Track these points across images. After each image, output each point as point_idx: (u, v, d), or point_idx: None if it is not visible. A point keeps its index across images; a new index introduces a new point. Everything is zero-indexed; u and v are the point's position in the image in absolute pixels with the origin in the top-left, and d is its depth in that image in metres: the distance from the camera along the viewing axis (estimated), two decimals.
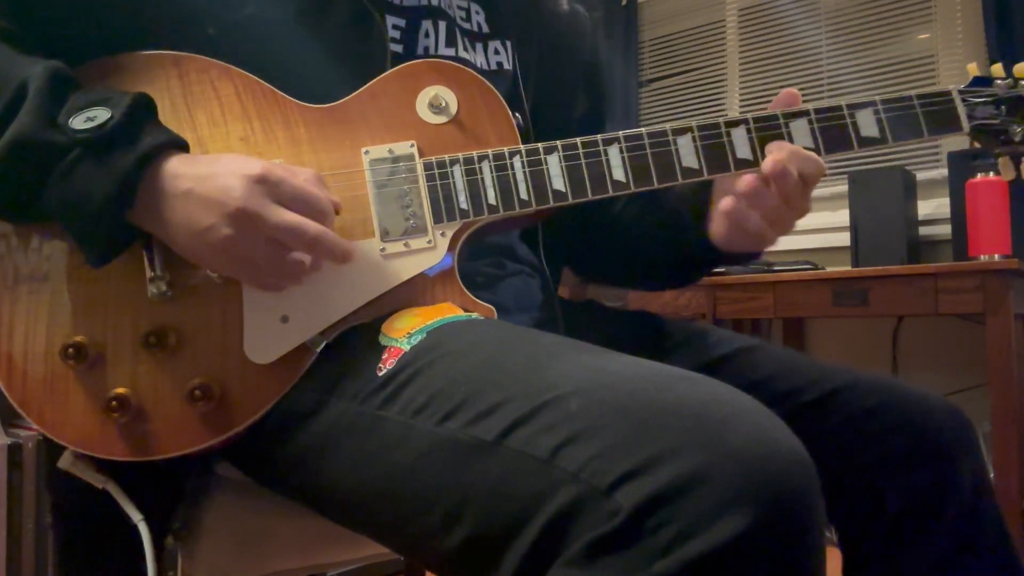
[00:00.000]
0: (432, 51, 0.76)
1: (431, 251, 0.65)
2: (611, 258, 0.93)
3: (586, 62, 0.91)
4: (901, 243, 2.05)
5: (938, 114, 0.71)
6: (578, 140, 0.68)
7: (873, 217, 2.11)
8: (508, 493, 0.44)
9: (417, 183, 0.66)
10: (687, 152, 0.68)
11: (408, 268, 0.65)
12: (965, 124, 0.72)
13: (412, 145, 0.67)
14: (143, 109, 0.59)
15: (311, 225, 0.58)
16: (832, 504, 0.68)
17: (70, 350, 0.59)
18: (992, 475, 1.67)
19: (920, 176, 2.24)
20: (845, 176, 2.21)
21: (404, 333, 0.58)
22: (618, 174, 0.68)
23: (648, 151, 0.68)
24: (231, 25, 0.68)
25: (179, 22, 0.67)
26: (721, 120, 0.69)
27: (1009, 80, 0.74)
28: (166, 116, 0.64)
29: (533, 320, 0.78)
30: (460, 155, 0.67)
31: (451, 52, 0.77)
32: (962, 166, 1.97)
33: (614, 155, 0.68)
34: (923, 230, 2.22)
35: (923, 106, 0.71)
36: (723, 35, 2.89)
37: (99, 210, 0.56)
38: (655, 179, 0.68)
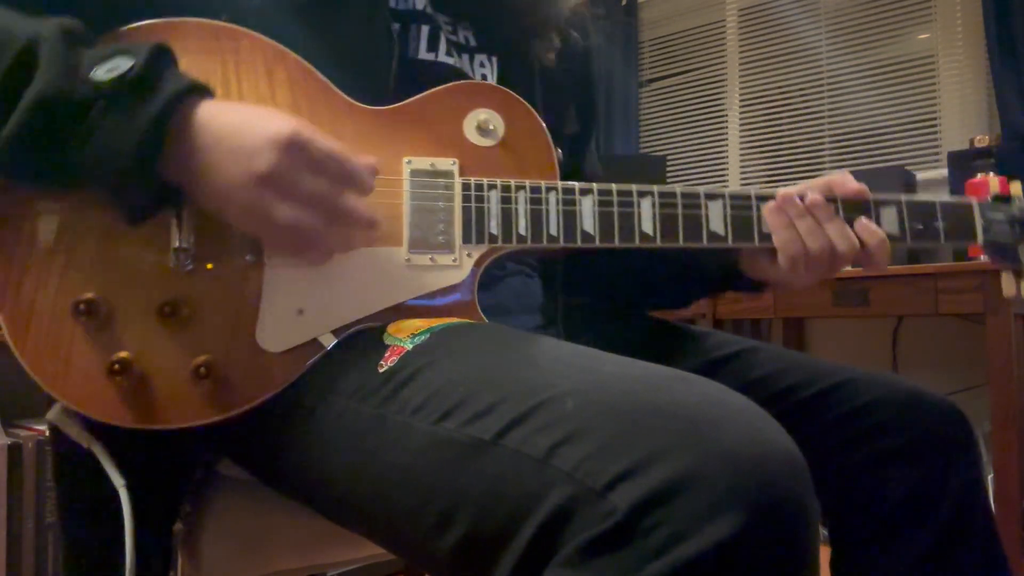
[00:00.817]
0: (414, 55, 0.76)
1: (455, 269, 0.65)
2: (612, 269, 0.92)
3: (580, 88, 0.90)
4: None
5: (956, 224, 0.74)
6: (614, 187, 0.69)
7: None
8: (504, 492, 0.44)
9: (452, 201, 0.66)
10: (716, 217, 0.70)
11: (430, 282, 0.65)
12: (980, 238, 0.75)
13: (454, 163, 0.67)
14: (164, 57, 0.58)
15: (338, 196, 0.58)
16: (825, 498, 0.69)
17: (81, 306, 0.59)
18: (992, 475, 1.67)
19: (920, 176, 2.24)
20: None
21: (408, 333, 0.58)
22: (647, 226, 0.69)
23: (679, 210, 0.69)
24: (245, 12, 0.67)
25: (193, 6, 0.66)
26: (753, 192, 0.71)
27: None
28: (216, 89, 0.63)
29: (534, 320, 0.78)
30: (499, 181, 0.67)
31: (431, 56, 0.77)
32: (962, 166, 1.97)
33: (646, 208, 0.69)
34: None
35: (944, 214, 0.74)
36: (723, 35, 2.89)
37: (129, 162, 0.55)
38: (681, 238, 0.69)
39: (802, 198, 0.70)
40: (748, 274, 0.78)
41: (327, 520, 0.64)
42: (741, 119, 2.84)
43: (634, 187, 0.69)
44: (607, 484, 0.40)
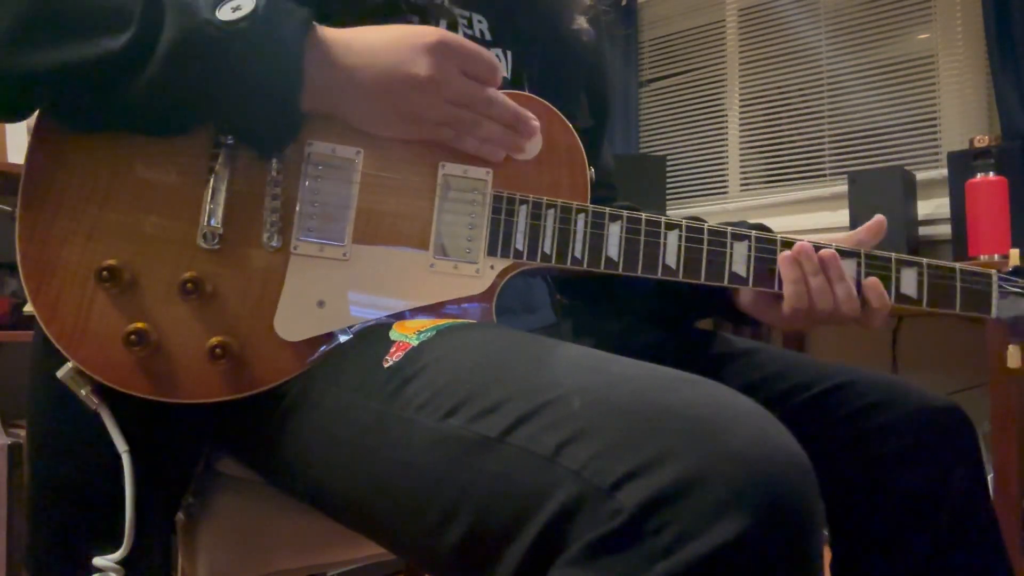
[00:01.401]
0: None
1: (476, 279, 0.66)
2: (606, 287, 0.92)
3: (591, 80, 0.90)
4: (901, 243, 2.05)
5: (973, 293, 0.73)
6: (643, 216, 0.69)
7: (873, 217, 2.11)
8: (510, 490, 0.44)
9: (483, 211, 0.67)
10: (739, 259, 0.70)
11: (450, 290, 0.65)
12: (994, 310, 0.74)
13: (488, 173, 0.68)
14: None
15: (486, 91, 0.64)
16: (827, 499, 0.69)
17: (104, 272, 0.59)
18: (992, 475, 1.67)
19: (920, 176, 2.24)
20: (845, 176, 2.22)
21: (414, 330, 0.59)
22: (670, 260, 0.69)
23: (704, 247, 0.69)
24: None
25: None
26: (779, 238, 0.71)
27: None
28: None
29: (536, 321, 0.78)
30: (530, 197, 0.67)
31: None
32: (962, 166, 1.97)
33: (672, 241, 0.69)
34: (923, 230, 2.22)
35: (963, 281, 0.73)
36: (723, 35, 2.89)
37: (276, 91, 0.58)
38: (703, 276, 0.69)
39: (817, 249, 0.69)
40: (743, 309, 0.78)
41: (327, 519, 0.64)
42: (741, 119, 2.84)
43: (663, 219, 0.69)
44: (614, 483, 0.40)
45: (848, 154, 2.57)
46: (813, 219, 2.49)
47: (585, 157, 0.71)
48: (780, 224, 2.55)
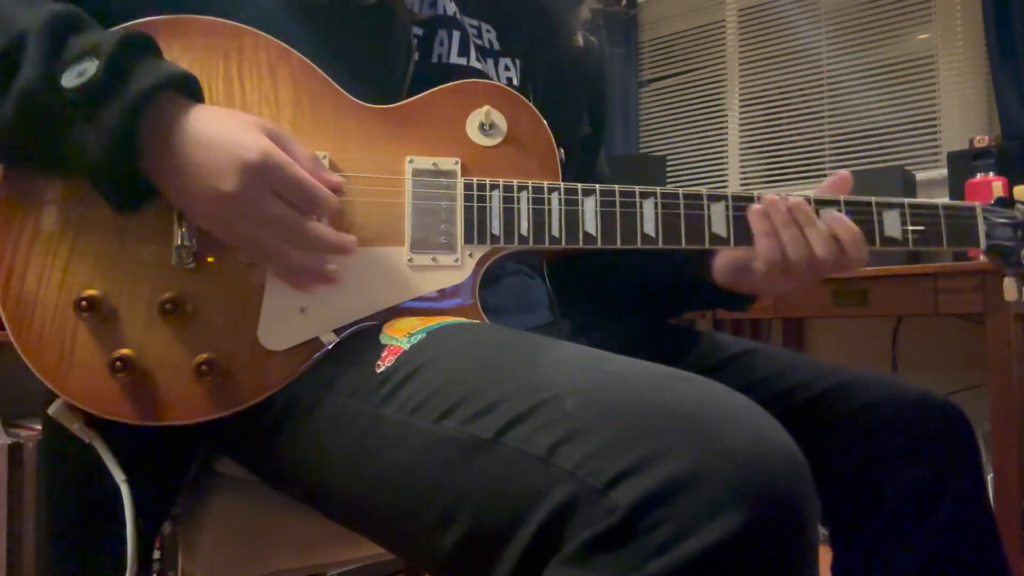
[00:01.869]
0: (445, 59, 0.76)
1: (457, 269, 0.66)
2: (601, 279, 0.91)
3: (593, 89, 0.91)
4: None
5: (959, 227, 0.73)
6: (616, 188, 0.69)
7: None
8: (505, 491, 0.44)
9: (455, 201, 0.67)
10: (718, 219, 0.70)
11: (431, 282, 0.65)
12: (983, 242, 0.75)
13: (456, 162, 0.67)
14: (130, 51, 0.57)
15: (301, 223, 0.58)
16: (826, 500, 0.69)
17: (83, 302, 0.59)
18: (992, 475, 1.67)
19: (920, 176, 2.24)
20: None
21: (405, 333, 0.58)
22: (649, 228, 0.69)
23: (681, 211, 0.69)
24: (261, 12, 0.67)
25: (209, 4, 0.66)
26: (756, 194, 0.70)
27: None
28: (219, 85, 0.64)
29: (534, 320, 0.78)
30: (501, 181, 0.67)
31: (463, 61, 0.77)
32: (962, 166, 1.97)
33: (648, 209, 0.69)
34: None
35: (947, 217, 0.73)
36: (723, 35, 2.89)
37: (102, 165, 0.56)
38: (683, 239, 0.69)
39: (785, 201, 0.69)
40: (723, 284, 0.77)
41: (327, 520, 0.64)
42: (741, 119, 2.84)
43: (637, 188, 0.69)
44: (608, 482, 0.40)
45: (848, 154, 2.57)
46: None
47: (552, 138, 0.71)
48: None
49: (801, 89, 2.69)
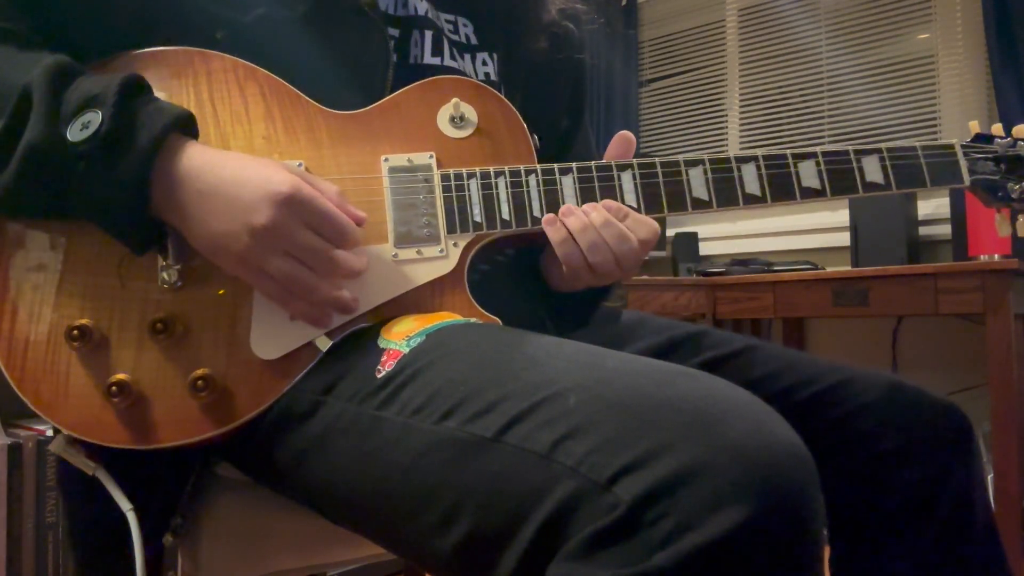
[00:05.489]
0: (420, 60, 0.77)
1: (443, 260, 0.66)
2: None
3: (573, 80, 0.90)
4: (901, 243, 2.06)
5: (941, 166, 0.73)
6: (592, 164, 0.69)
7: (873, 217, 2.11)
8: (508, 489, 0.44)
9: (433, 193, 0.67)
10: (698, 184, 0.70)
11: (419, 275, 0.65)
12: (966, 178, 0.74)
13: (431, 156, 0.68)
14: (131, 97, 0.59)
15: (331, 251, 0.60)
16: (826, 498, 0.69)
17: (75, 332, 0.59)
18: (992, 475, 1.67)
19: None
20: None
21: (403, 336, 0.58)
22: (630, 199, 0.69)
23: (660, 179, 0.70)
24: (239, 29, 0.68)
25: (187, 26, 0.67)
26: (732, 156, 0.71)
27: (1008, 139, 0.77)
28: (192, 111, 0.64)
29: (529, 318, 0.78)
30: (477, 169, 0.68)
31: (437, 61, 0.77)
32: None
33: (627, 181, 0.69)
34: (923, 230, 2.22)
35: (927, 157, 0.73)
36: (723, 35, 2.89)
37: (124, 214, 0.58)
38: (665, 207, 0.69)
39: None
40: (548, 282, 0.77)
41: (327, 520, 0.64)
42: (741, 119, 2.84)
43: (614, 162, 0.70)
44: (611, 477, 0.40)
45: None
46: (813, 219, 2.49)
47: (523, 123, 0.71)
48: (780, 224, 2.56)
49: (801, 89, 2.69)
